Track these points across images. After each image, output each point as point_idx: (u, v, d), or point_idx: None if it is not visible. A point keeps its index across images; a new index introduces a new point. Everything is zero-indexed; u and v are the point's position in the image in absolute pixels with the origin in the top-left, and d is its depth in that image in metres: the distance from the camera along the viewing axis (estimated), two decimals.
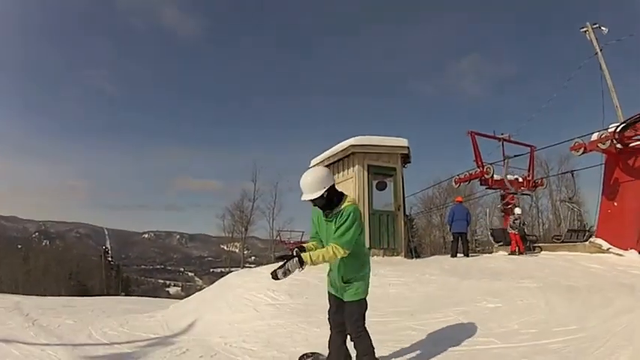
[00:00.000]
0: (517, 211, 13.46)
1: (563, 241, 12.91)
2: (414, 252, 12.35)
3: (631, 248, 10.27)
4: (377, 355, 3.49)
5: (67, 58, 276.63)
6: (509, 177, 16.33)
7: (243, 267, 31.69)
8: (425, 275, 8.09)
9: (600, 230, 11.56)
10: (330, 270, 3.61)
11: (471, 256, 12.64)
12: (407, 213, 13.68)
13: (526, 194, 18.73)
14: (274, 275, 3.22)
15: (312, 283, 6.90)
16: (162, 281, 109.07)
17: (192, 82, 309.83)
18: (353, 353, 3.55)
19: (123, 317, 7.88)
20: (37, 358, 4.93)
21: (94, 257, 63.82)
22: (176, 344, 5.45)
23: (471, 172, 16.70)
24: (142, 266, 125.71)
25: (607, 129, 11.19)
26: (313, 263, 3.22)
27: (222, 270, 52.44)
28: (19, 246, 63.08)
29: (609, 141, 10.85)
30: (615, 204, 11.34)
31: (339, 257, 3.26)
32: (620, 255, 10.23)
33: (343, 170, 12.30)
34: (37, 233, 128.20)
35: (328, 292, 3.68)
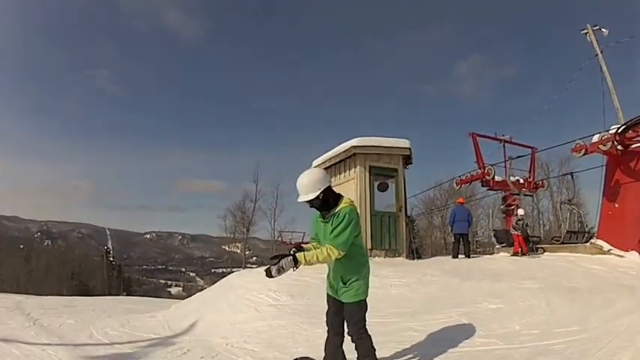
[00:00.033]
0: (520, 212, 13.46)
1: (562, 243, 12.94)
2: (415, 253, 12.34)
3: (632, 249, 10.28)
4: (378, 356, 3.49)
5: (70, 59, 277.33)
6: (510, 178, 16.34)
7: (245, 267, 31.69)
8: (426, 276, 8.08)
9: (601, 232, 11.58)
10: (329, 271, 3.60)
11: (472, 257, 12.64)
12: (408, 214, 13.66)
13: (528, 195, 18.73)
14: (268, 272, 3.25)
15: (314, 283, 6.90)
16: (163, 281, 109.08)
17: (195, 84, 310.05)
18: (352, 355, 3.54)
19: (124, 317, 7.88)
20: (38, 357, 4.93)
21: (96, 257, 63.87)
22: (177, 344, 5.45)
23: (472, 173, 16.72)
24: (144, 266, 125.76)
25: (608, 131, 11.22)
26: (307, 263, 3.23)
27: (224, 270, 52.49)
28: (21, 246, 63.00)
29: (610, 143, 10.86)
30: (616, 205, 11.37)
31: (333, 258, 3.26)
32: (621, 256, 10.24)
33: (345, 171, 12.31)
34: (39, 233, 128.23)
35: (327, 294, 3.67)
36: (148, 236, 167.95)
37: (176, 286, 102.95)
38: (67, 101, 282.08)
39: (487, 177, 15.97)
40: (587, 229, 14.63)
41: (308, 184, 3.30)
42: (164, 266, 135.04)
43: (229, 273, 13.16)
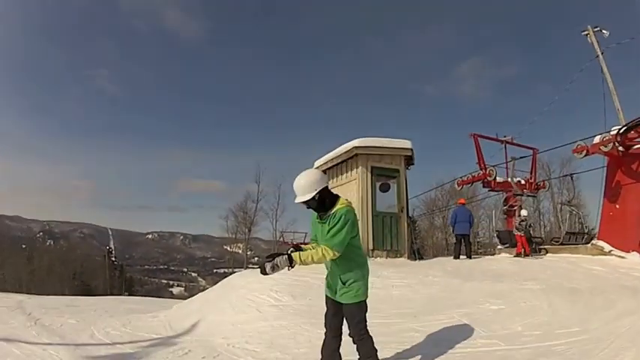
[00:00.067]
0: (523, 212, 13.43)
1: (561, 244, 12.97)
2: (417, 254, 12.33)
3: (633, 250, 10.31)
4: (380, 357, 3.48)
5: (70, 59, 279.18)
6: (513, 179, 16.33)
7: (247, 268, 31.71)
8: (428, 277, 8.08)
9: (602, 233, 11.59)
10: (328, 273, 3.60)
11: (474, 257, 12.64)
12: (410, 215, 13.66)
13: (531, 196, 18.70)
14: (262, 270, 3.26)
15: (315, 284, 6.88)
16: (165, 281, 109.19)
17: (195, 84, 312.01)
18: (354, 356, 3.53)
19: (126, 317, 7.87)
20: (39, 357, 4.93)
21: (98, 257, 63.79)
22: (179, 345, 5.46)
23: (473, 174, 16.69)
24: (146, 266, 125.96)
25: (609, 132, 11.23)
26: (303, 263, 3.24)
27: (226, 271, 52.50)
28: (24, 246, 63.00)
29: (611, 144, 10.88)
30: (617, 206, 11.39)
31: (328, 259, 3.27)
32: (622, 257, 10.27)
33: (347, 172, 12.31)
34: (41, 233, 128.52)
35: (326, 295, 3.66)
36: (150, 236, 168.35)
37: (178, 286, 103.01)
38: (67, 101, 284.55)
39: (488, 178, 15.95)
40: (586, 231, 14.63)
41: (304, 185, 3.31)
42: (166, 266, 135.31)
43: (231, 273, 13.19)
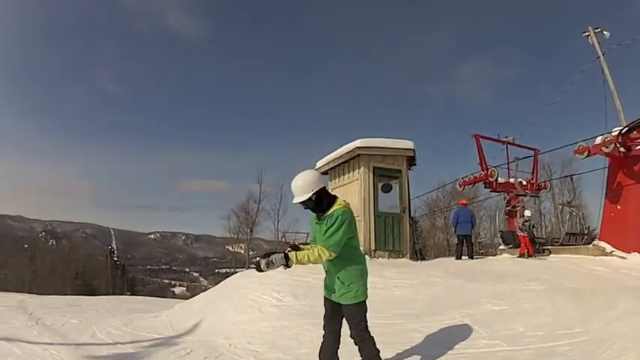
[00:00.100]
0: (527, 213, 13.42)
1: (561, 244, 12.97)
2: (419, 254, 12.32)
3: (634, 251, 10.32)
4: (382, 358, 3.47)
5: (70, 59, 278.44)
6: (512, 180, 16.33)
7: (248, 268, 31.70)
8: (430, 277, 8.08)
9: (604, 233, 11.61)
10: (326, 274, 3.58)
11: (476, 258, 12.62)
12: (412, 215, 13.65)
13: (534, 196, 18.69)
14: (257, 266, 3.27)
15: (317, 284, 6.85)
16: (167, 281, 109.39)
17: (197, 84, 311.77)
18: (357, 357, 3.51)
19: (127, 317, 7.87)
20: (40, 357, 4.93)
21: (100, 257, 64.02)
22: (180, 345, 5.46)
23: (475, 174, 16.67)
24: (148, 266, 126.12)
25: (611, 132, 11.24)
26: (299, 262, 3.25)
27: (227, 271, 52.61)
28: (26, 245, 63.32)
29: (613, 144, 10.90)
30: (619, 207, 11.41)
31: (324, 259, 3.27)
32: (624, 258, 10.30)
33: (349, 172, 12.30)
34: (43, 233, 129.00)
35: (324, 297, 3.64)
36: (152, 236, 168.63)
37: (180, 286, 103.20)
38: (68, 101, 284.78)
39: (490, 179, 15.93)
40: (585, 231, 14.62)
41: (301, 186, 3.33)
42: (168, 266, 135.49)
43: (233, 273, 13.19)
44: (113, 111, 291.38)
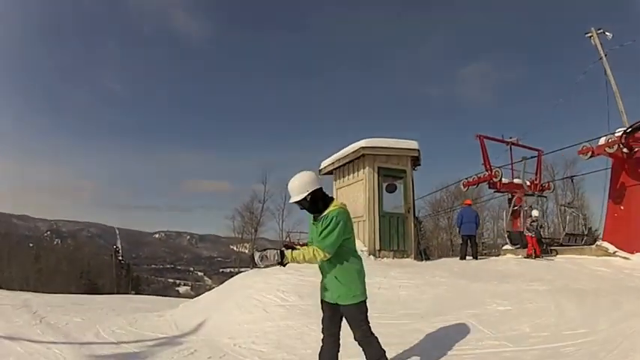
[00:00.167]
0: (534, 213, 13.38)
1: (561, 245, 12.98)
2: (423, 254, 12.31)
3: (637, 251, 10.37)
4: (388, 358, 3.47)
5: (71, 59, 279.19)
6: (516, 181, 16.31)
7: (253, 267, 31.72)
8: (435, 277, 8.06)
9: (607, 234, 11.67)
10: (323, 276, 3.56)
11: (480, 258, 12.60)
12: (416, 215, 13.64)
13: (542, 196, 18.64)
14: (252, 259, 3.33)
15: None
16: (172, 281, 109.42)
17: (200, 84, 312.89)
18: (361, 357, 3.51)
19: (132, 316, 7.86)
20: (42, 356, 4.90)
21: (105, 256, 64.22)
22: (184, 344, 5.46)
23: (479, 175, 16.64)
24: (152, 266, 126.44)
25: (614, 133, 11.23)
26: (294, 260, 3.27)
27: (232, 270, 52.58)
28: (31, 244, 63.19)
29: (616, 145, 10.91)
30: (622, 208, 11.48)
31: (318, 259, 3.28)
32: (627, 258, 10.34)
33: (354, 172, 12.31)
34: (48, 232, 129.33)
35: (321, 300, 3.61)
36: (157, 236, 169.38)
37: (184, 285, 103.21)
38: (69, 101, 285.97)
39: (494, 179, 15.91)
40: (586, 232, 14.59)
41: (298, 186, 3.36)
42: (172, 266, 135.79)
43: (237, 273, 13.20)
44: (116, 111, 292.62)
